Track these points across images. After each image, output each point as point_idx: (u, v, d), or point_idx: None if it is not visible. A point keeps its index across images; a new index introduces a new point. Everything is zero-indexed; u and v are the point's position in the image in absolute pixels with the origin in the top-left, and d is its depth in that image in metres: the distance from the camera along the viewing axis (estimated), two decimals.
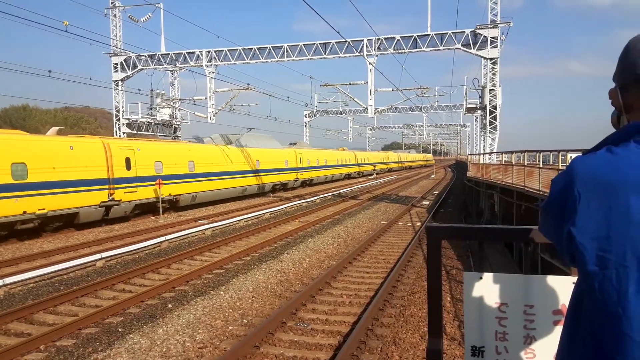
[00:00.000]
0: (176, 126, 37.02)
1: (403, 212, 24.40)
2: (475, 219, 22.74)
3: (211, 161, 26.63)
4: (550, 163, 15.56)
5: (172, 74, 36.27)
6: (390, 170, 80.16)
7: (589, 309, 1.19)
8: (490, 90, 27.51)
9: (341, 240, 17.03)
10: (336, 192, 35.36)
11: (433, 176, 64.33)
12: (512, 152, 19.14)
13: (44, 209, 16.63)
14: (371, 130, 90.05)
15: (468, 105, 30.16)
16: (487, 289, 1.90)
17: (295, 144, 45.72)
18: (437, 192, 37.92)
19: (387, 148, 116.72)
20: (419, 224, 20.67)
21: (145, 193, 21.35)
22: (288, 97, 41.68)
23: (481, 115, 32.25)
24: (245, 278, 11.70)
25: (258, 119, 78.78)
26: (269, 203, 29.38)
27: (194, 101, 34.20)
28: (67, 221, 18.08)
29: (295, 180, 38.73)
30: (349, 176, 55.47)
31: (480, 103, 28.78)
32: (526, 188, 14.11)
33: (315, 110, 60.14)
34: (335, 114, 62.44)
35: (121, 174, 20.03)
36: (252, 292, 10.60)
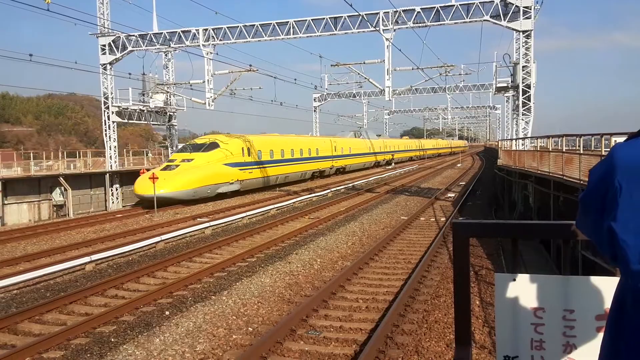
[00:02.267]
0: (171, 114, 37.20)
1: (425, 205, 24.46)
2: (507, 213, 22.79)
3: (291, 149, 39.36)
4: (592, 149, 15.49)
5: (166, 55, 36.39)
6: (436, 156, 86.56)
7: (633, 313, 1.20)
8: (523, 67, 27.21)
9: (356, 238, 17.11)
10: (350, 185, 35.60)
11: (459, 165, 64.19)
12: (548, 137, 19.29)
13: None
14: (389, 115, 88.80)
15: (498, 85, 29.95)
16: (521, 291, 1.89)
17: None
18: (463, 183, 37.85)
19: (407, 134, 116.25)
20: (443, 219, 20.70)
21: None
22: (295, 80, 40.04)
23: (513, 95, 31.88)
24: (250, 282, 11.78)
25: (262, 104, 79.38)
26: (276, 198, 29.67)
27: (191, 85, 34.29)
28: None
29: (331, 168, 47.19)
30: (378, 164, 62.79)
31: (512, 82, 28.52)
32: (565, 177, 14.12)
33: (325, 93, 59.80)
34: (348, 97, 61.57)
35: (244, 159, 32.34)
36: (258, 297, 10.67)
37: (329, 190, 31.63)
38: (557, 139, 18.23)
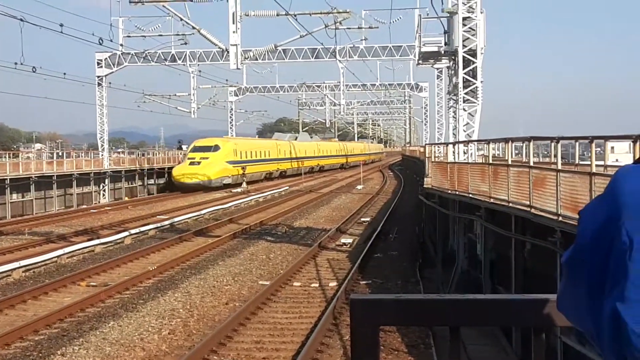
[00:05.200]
0: None
1: (302, 260, 18.24)
2: (442, 271, 17.73)
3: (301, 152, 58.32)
4: (577, 161, 12.59)
5: None
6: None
7: None
8: (463, 20, 20.58)
9: (177, 322, 12.07)
10: (166, 224, 25.62)
11: (360, 187, 46.86)
12: (506, 141, 14.61)
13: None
14: (236, 96, 63.16)
15: (424, 49, 23.16)
16: None
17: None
18: (367, 219, 28.50)
19: (269, 131, 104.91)
20: (333, 284, 15.59)
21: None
22: (62, 25, 27.39)
23: (448, 68, 25.14)
24: None
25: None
26: None
27: None
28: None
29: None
30: (341, 166, 75.37)
31: (446, 45, 21.82)
32: (533, 210, 11.12)
33: (120, 54, 39.87)
34: (164, 60, 40.96)
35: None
36: None
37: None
38: (521, 144, 14.67)
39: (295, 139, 67.40)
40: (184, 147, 62.87)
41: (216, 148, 45.65)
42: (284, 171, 59.07)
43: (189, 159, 44.56)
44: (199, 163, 43.28)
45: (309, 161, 67.05)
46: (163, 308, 13.14)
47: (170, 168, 47.00)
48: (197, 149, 45.82)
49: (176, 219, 27.11)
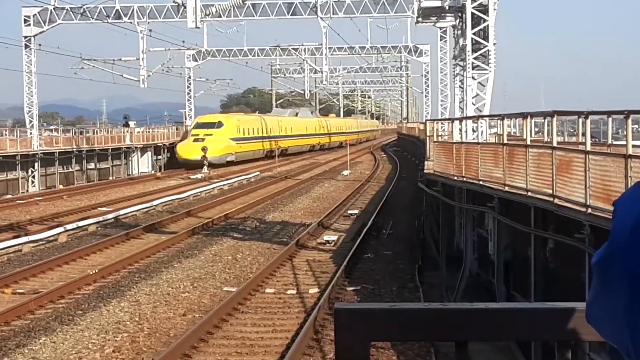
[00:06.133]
0: None
1: (276, 261, 18.54)
2: (446, 274, 18.06)
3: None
4: (609, 141, 12.78)
5: None
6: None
7: None
8: None
9: (124, 338, 12.27)
10: (110, 218, 25.83)
11: (347, 172, 47.39)
12: (524, 116, 15.02)
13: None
14: (195, 60, 63.76)
15: (425, 3, 24.43)
16: None
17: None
18: (355, 211, 28.84)
19: (231, 106, 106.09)
20: (314, 290, 15.75)
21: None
22: None
23: (454, 27, 26.01)
24: None
25: None
26: None
27: None
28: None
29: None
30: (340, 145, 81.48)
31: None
32: (557, 200, 11.46)
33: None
34: (102, 17, 40.94)
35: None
36: None
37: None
38: (542, 119, 15.17)
39: (296, 115, 78.33)
40: (131, 123, 62.57)
41: (220, 125, 55.54)
42: (285, 149, 67.72)
43: (192, 135, 54.13)
44: (202, 140, 52.19)
45: (311, 139, 77.04)
46: (106, 320, 13.26)
47: (115, 149, 49.59)
48: (200, 126, 55.43)
49: (122, 212, 27.27)
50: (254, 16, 41.89)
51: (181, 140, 56.77)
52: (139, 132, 58.38)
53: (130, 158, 52.94)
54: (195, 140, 52.60)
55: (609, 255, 1.09)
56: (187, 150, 52.17)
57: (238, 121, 59.19)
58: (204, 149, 50.68)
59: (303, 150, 73.47)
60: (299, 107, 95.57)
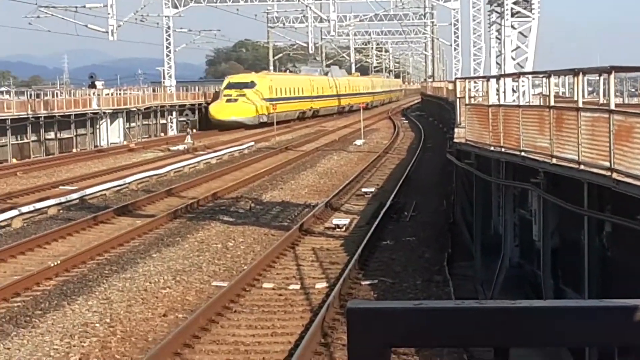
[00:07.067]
0: None
1: (275, 250, 19.05)
2: (481, 263, 18.59)
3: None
4: None
5: None
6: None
7: None
8: None
9: (94, 344, 12.57)
10: (75, 198, 26.40)
11: (360, 142, 49.40)
12: (575, 73, 15.16)
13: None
14: (175, 10, 65.86)
15: None
16: None
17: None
18: (371, 189, 29.81)
19: (219, 62, 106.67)
20: (322, 285, 16.37)
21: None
22: None
23: None
24: None
25: None
26: None
27: None
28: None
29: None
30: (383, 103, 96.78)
31: None
32: (616, 174, 11.60)
33: None
34: None
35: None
36: None
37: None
38: (597, 77, 15.18)
39: (326, 74, 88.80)
40: (98, 84, 62.29)
41: (252, 84, 66.93)
42: (317, 110, 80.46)
43: (224, 95, 65.28)
44: (236, 100, 64.06)
45: (342, 99, 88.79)
46: (71, 322, 13.44)
47: (79, 115, 49.86)
48: (232, 86, 66.75)
49: (89, 191, 27.73)
50: None
51: (212, 101, 67.35)
52: (107, 94, 58.37)
53: (97, 126, 53.18)
54: (228, 100, 64.08)
55: None
56: (221, 111, 63.29)
57: (271, 81, 70.53)
58: (275, 107, 62.97)
59: (331, 112, 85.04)
60: (302, 63, 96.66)
